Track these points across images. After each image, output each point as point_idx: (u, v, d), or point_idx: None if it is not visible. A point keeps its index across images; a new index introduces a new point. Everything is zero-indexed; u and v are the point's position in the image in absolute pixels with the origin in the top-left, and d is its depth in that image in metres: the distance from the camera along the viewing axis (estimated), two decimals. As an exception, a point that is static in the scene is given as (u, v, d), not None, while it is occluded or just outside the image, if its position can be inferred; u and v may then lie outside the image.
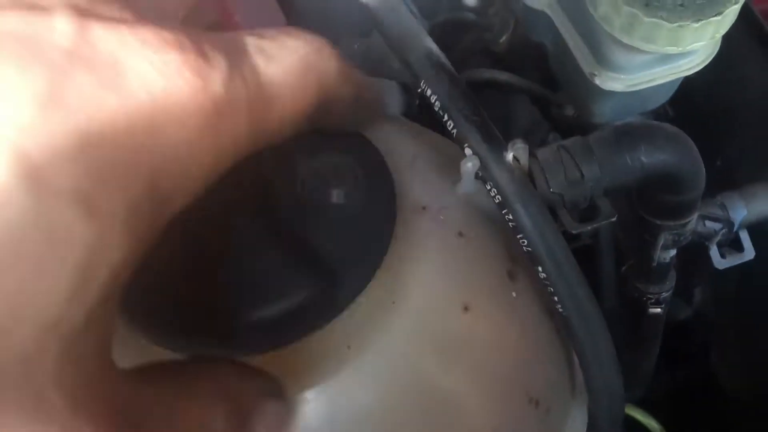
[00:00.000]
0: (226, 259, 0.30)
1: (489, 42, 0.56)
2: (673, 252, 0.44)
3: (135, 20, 0.21)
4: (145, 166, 0.20)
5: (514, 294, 0.36)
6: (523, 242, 0.35)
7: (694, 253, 0.63)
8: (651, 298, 0.46)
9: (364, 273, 0.32)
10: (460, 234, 0.35)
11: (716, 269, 0.75)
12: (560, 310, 0.35)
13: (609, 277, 0.56)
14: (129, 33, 0.20)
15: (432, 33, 0.46)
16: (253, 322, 0.29)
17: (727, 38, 0.41)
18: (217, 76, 0.22)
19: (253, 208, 0.31)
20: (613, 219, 0.36)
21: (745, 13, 0.64)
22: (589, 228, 0.36)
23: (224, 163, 0.23)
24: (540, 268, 0.35)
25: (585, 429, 0.40)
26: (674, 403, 0.88)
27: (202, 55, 0.21)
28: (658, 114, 0.62)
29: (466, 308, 0.33)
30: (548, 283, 0.35)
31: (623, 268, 0.47)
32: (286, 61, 0.25)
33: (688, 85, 0.45)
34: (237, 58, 0.23)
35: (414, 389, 0.33)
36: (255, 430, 0.27)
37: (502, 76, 0.50)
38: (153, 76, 0.20)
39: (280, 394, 0.29)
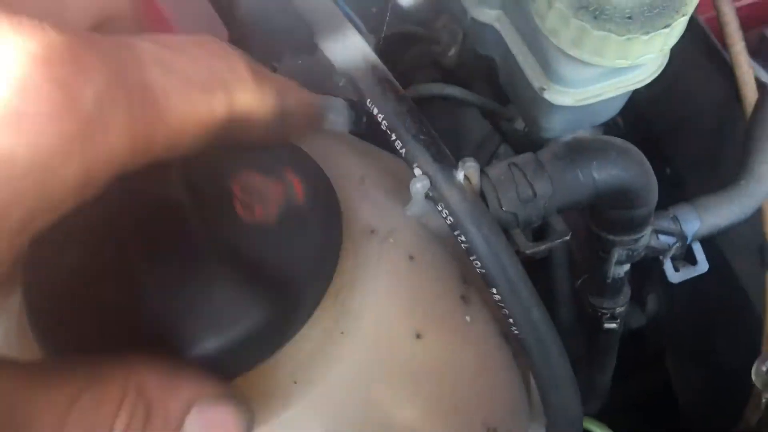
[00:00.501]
0: (156, 288, 0.28)
1: (438, 55, 0.55)
2: (626, 267, 0.43)
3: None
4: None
5: (468, 318, 0.35)
6: (477, 264, 0.33)
7: (647, 262, 0.63)
8: (606, 314, 0.46)
9: (308, 301, 0.30)
10: (411, 258, 0.34)
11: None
12: (516, 332, 0.34)
13: (564, 292, 0.56)
14: None
15: (379, 47, 0.44)
16: (190, 357, 0.27)
17: (674, 50, 0.40)
18: (89, 92, 0.20)
19: (180, 228, 0.29)
20: (567, 237, 0.35)
21: (691, 25, 0.65)
22: (542, 248, 0.35)
23: (98, 179, 0.21)
24: (494, 291, 0.34)
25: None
26: (631, 413, 0.88)
27: (77, 67, 0.20)
28: (609, 126, 0.63)
29: (418, 335, 0.32)
30: (503, 305, 0.34)
31: (577, 283, 0.47)
32: (188, 73, 0.23)
33: (638, 96, 0.45)
34: (124, 69, 0.21)
35: (367, 424, 0.31)
36: None
37: (452, 90, 0.49)
38: (6, 94, 0.18)
39: (228, 399, 0.27)
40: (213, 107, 0.24)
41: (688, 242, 0.42)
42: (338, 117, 0.38)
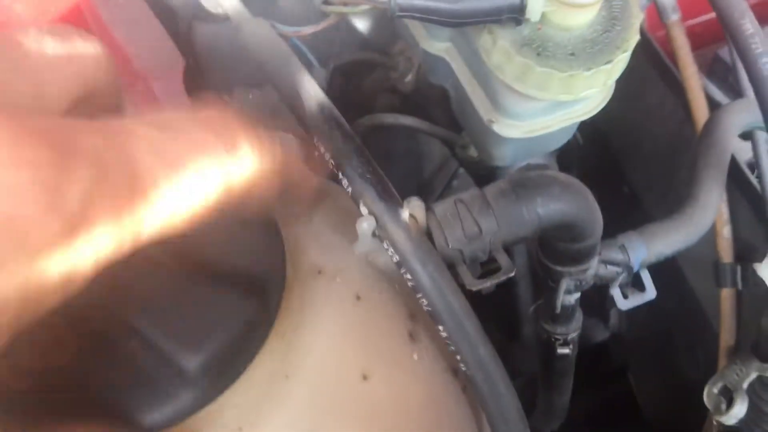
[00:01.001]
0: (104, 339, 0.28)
1: (395, 81, 0.56)
2: (577, 295, 0.44)
3: None
4: None
5: (415, 356, 0.35)
6: (423, 302, 0.34)
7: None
8: (559, 339, 0.46)
9: (250, 345, 0.31)
10: (358, 297, 0.34)
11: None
12: (463, 368, 0.35)
13: (525, 310, 0.56)
14: None
15: (335, 74, 0.44)
16: (123, 407, 0.28)
17: (629, 69, 0.41)
18: (75, 192, 0.20)
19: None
20: (512, 274, 0.35)
21: (644, 44, 0.66)
22: (488, 284, 0.35)
23: (83, 272, 0.21)
24: (441, 328, 0.34)
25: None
26: (595, 425, 0.89)
27: (62, 169, 0.20)
28: (569, 143, 0.63)
29: (365, 376, 0.32)
30: (450, 342, 0.34)
31: (531, 309, 0.47)
32: (181, 157, 0.23)
33: (597, 115, 0.45)
34: (113, 162, 0.21)
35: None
36: None
37: (406, 120, 0.49)
38: None
39: None
40: (207, 190, 0.24)
41: (635, 271, 0.43)
42: (289, 152, 0.39)
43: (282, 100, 0.38)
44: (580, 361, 0.91)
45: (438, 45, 0.43)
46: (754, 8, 0.41)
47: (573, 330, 0.46)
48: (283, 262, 0.32)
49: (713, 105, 0.59)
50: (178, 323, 0.28)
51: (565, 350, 0.47)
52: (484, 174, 0.52)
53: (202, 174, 0.24)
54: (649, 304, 0.77)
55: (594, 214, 0.38)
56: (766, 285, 0.45)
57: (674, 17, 0.57)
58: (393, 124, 0.49)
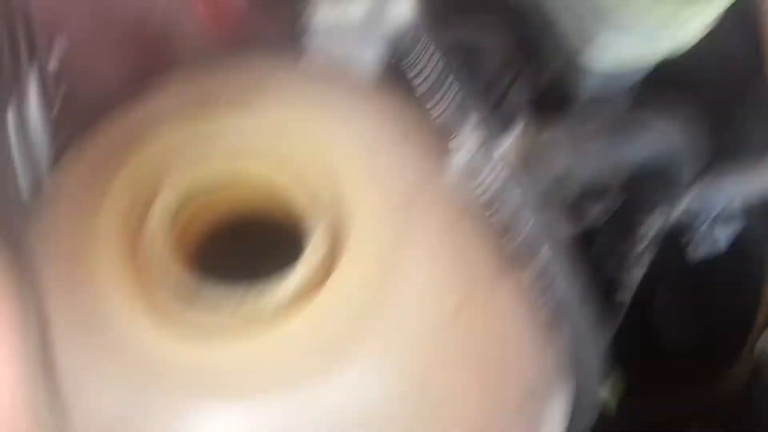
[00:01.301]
0: None
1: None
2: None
3: None
4: None
5: (506, 289, 0.34)
6: (517, 238, 0.33)
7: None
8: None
9: None
10: (448, 230, 0.33)
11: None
12: (550, 306, 0.34)
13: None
14: None
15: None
16: None
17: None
18: None
19: None
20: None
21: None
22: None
23: None
24: (532, 264, 0.33)
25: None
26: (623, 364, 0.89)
27: None
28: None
29: (459, 306, 0.31)
30: (542, 278, 0.33)
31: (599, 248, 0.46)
32: None
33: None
34: None
35: (421, 387, 0.31)
36: None
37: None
38: None
39: None
40: None
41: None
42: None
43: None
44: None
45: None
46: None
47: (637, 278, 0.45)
48: None
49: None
50: None
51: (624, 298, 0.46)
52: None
53: None
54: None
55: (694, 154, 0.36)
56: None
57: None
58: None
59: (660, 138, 0.36)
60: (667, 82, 0.58)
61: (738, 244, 0.62)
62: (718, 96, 0.61)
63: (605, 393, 0.63)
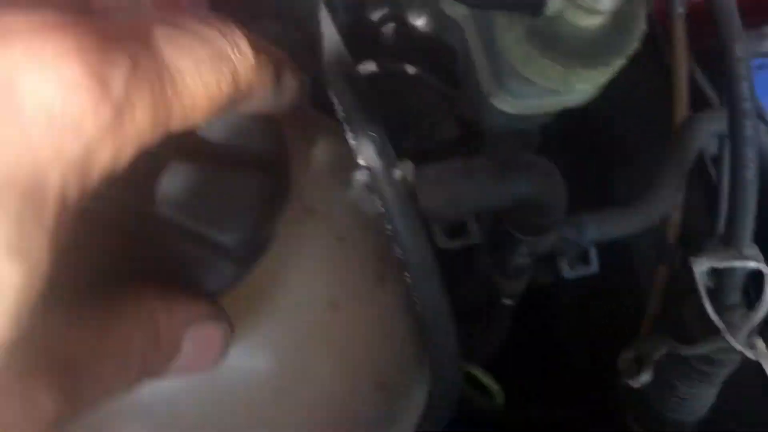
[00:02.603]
0: None
1: (405, 18, 0.58)
2: (530, 259, 0.49)
3: (32, 27, 0.21)
4: (52, 188, 0.21)
5: (380, 294, 0.40)
6: (397, 250, 0.39)
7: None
8: (505, 293, 0.52)
9: (246, 262, 0.34)
10: (339, 238, 0.39)
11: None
12: (419, 311, 0.40)
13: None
14: (23, 48, 0.20)
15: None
16: None
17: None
18: (119, 79, 0.22)
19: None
20: (478, 241, 0.40)
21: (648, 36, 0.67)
22: (456, 245, 0.40)
23: (125, 157, 0.23)
24: (407, 274, 0.39)
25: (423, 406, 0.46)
26: (520, 364, 0.97)
27: (105, 57, 0.21)
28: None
29: (332, 304, 0.37)
30: (414, 288, 0.39)
31: (486, 262, 0.52)
32: (198, 54, 0.25)
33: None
34: (144, 52, 0.23)
35: (285, 367, 0.37)
36: (180, 357, 0.29)
37: (413, 70, 0.52)
38: (51, 94, 0.20)
39: (217, 317, 0.30)
40: (221, 84, 0.26)
41: (585, 249, 0.48)
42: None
43: (302, 40, 0.41)
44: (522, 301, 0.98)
45: (458, 10, 0.46)
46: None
47: (520, 286, 0.52)
48: (287, 196, 0.35)
49: (704, 102, 0.62)
50: (205, 206, 0.30)
51: (509, 301, 0.52)
52: (471, 131, 0.55)
53: (216, 68, 0.26)
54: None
55: (562, 198, 0.43)
56: (694, 278, 0.51)
57: (680, 10, 0.60)
58: (399, 72, 0.51)
59: (541, 177, 0.42)
60: (561, 130, 0.64)
61: (622, 260, 0.69)
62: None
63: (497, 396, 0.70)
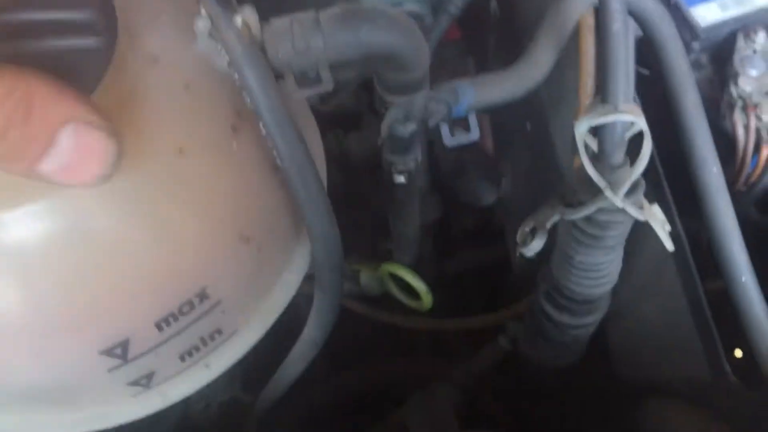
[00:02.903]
0: None
1: None
2: (412, 127, 0.50)
3: None
4: None
5: (234, 145, 0.41)
6: (248, 99, 0.39)
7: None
8: (396, 168, 0.53)
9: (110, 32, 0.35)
10: (187, 86, 0.39)
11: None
12: (280, 164, 0.41)
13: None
14: None
15: None
16: None
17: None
18: None
19: None
20: (330, 89, 0.41)
21: None
22: (307, 94, 0.41)
23: None
24: (261, 124, 0.40)
25: (305, 268, 0.47)
26: (476, 280, 0.98)
27: None
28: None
29: (181, 151, 0.38)
30: (269, 137, 0.40)
31: (379, 141, 0.53)
32: None
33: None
34: None
35: (137, 214, 0.38)
36: (58, 154, 0.30)
37: None
38: None
39: (99, 124, 0.31)
40: None
41: (460, 113, 0.49)
42: None
43: None
44: (471, 221, 0.99)
45: None
46: None
47: (410, 161, 0.53)
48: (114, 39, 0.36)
49: None
50: None
51: (401, 179, 0.53)
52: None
53: None
54: (528, 172, 0.84)
55: (420, 48, 0.43)
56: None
57: None
58: None
59: (398, 29, 0.42)
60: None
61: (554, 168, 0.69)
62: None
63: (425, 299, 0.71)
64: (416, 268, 0.71)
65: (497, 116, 0.81)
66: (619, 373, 0.66)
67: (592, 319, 0.61)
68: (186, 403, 0.70)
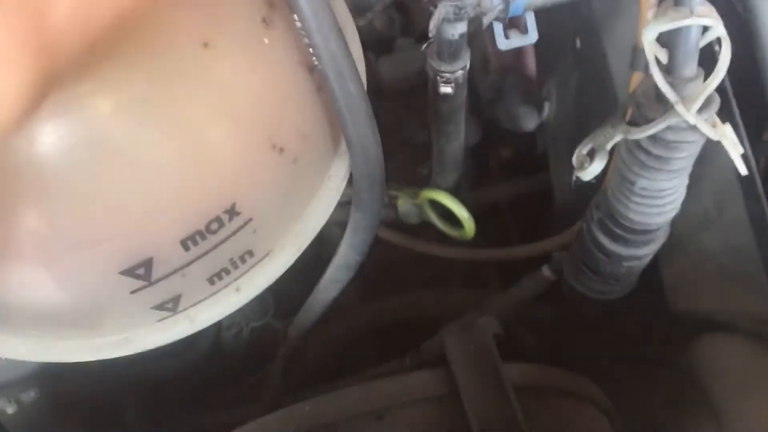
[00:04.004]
0: None
1: None
2: (461, 29, 0.44)
3: None
4: None
5: (266, 40, 0.36)
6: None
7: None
8: (442, 77, 0.47)
9: None
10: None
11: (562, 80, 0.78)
12: (316, 63, 0.36)
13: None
14: None
15: None
16: None
17: None
18: None
19: None
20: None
21: None
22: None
23: None
24: (296, 17, 0.35)
25: (344, 184, 0.42)
26: (515, 211, 0.94)
27: None
28: None
29: (206, 45, 0.33)
30: (304, 33, 0.35)
31: (423, 47, 0.48)
32: None
33: None
34: None
35: (159, 118, 0.33)
36: None
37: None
38: None
39: None
40: None
41: (517, 12, 0.43)
42: None
43: None
44: (510, 148, 0.94)
45: None
46: None
47: (458, 68, 0.47)
48: None
49: None
50: None
51: (448, 89, 0.48)
52: None
53: None
54: (576, 93, 0.78)
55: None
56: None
57: None
58: None
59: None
60: None
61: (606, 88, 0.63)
62: None
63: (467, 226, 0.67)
64: (455, 196, 0.67)
65: (541, 36, 0.75)
66: (673, 308, 0.62)
67: (649, 251, 0.56)
68: (218, 327, 0.68)
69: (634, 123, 0.46)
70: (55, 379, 0.62)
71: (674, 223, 0.56)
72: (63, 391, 0.65)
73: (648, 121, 0.45)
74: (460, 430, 0.49)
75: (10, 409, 0.59)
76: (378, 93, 0.82)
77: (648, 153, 0.47)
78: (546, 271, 0.66)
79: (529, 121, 0.85)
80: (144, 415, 0.75)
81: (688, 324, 0.60)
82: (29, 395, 0.60)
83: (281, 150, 0.37)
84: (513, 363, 0.55)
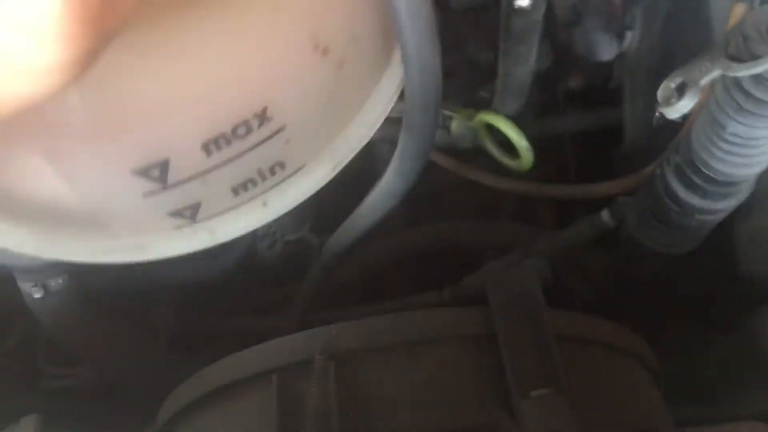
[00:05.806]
0: None
1: None
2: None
3: None
4: None
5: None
6: None
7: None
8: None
9: None
10: None
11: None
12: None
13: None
14: None
15: None
16: None
17: None
18: None
19: None
20: None
21: None
22: None
23: None
24: None
25: (393, 99, 0.37)
26: (579, 146, 0.88)
27: None
28: None
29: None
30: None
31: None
32: None
33: None
34: None
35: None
36: None
37: None
38: None
39: None
40: None
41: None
42: None
43: None
44: (582, 78, 0.87)
45: None
46: None
47: None
48: None
49: None
50: None
51: (524, 2, 0.42)
52: None
53: None
54: (664, 23, 0.71)
55: None
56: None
57: None
58: None
59: None
60: None
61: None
62: None
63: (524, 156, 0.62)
64: (515, 124, 0.61)
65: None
66: (744, 269, 0.56)
67: (727, 205, 0.50)
68: (253, 235, 0.66)
69: (736, 58, 0.40)
70: (84, 269, 0.61)
71: (759, 178, 0.50)
72: (92, 282, 0.64)
73: (754, 57, 0.39)
74: (492, 377, 0.45)
75: (37, 294, 0.58)
76: (444, 6, 0.76)
77: (747, 94, 0.41)
78: (606, 215, 0.60)
79: (608, 50, 0.77)
80: (174, 314, 0.74)
81: (758, 288, 0.55)
82: (57, 282, 0.59)
83: (325, 50, 0.32)
84: (558, 311, 0.51)
